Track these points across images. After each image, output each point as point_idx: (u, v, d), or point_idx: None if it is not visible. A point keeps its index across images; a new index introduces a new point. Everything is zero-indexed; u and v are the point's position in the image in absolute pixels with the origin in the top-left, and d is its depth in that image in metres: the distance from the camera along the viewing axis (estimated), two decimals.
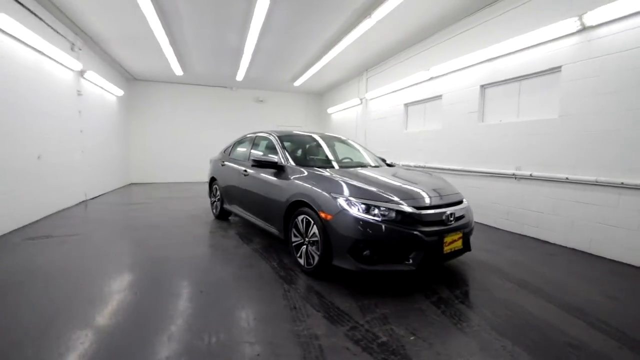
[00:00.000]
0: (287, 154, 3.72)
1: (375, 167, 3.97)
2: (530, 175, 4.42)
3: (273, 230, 3.62)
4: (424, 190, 2.90)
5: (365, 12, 5.29)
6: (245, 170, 4.25)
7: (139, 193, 8.35)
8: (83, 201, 6.75)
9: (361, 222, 2.54)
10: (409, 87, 7.06)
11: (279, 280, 2.89)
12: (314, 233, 2.86)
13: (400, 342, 1.98)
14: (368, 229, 2.52)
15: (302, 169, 3.37)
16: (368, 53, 7.57)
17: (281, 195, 3.37)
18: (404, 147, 7.36)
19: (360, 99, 9.32)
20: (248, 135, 4.96)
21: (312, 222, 2.87)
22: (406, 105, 7.34)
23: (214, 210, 5.46)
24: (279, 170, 3.60)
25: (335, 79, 10.23)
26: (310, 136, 4.39)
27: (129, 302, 2.44)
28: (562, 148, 4.07)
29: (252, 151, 4.47)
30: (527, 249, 3.99)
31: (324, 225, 2.73)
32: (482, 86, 5.27)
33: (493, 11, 4.91)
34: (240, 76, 9.43)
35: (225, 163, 5.03)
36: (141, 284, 2.79)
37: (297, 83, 10.26)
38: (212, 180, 5.53)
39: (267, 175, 3.74)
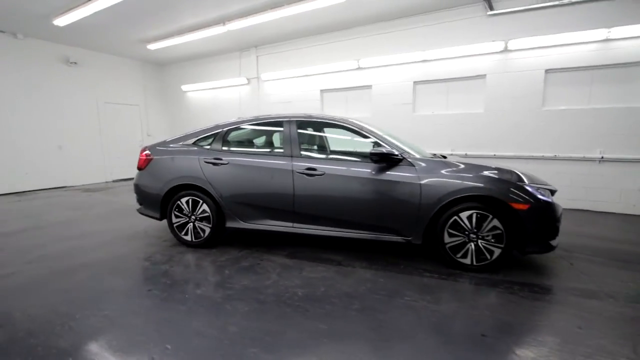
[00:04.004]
0: (399, 142, 3.12)
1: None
2: (465, 154, 5.93)
3: (393, 237, 3.01)
4: None
5: None
6: (312, 169, 3.10)
7: None
8: None
9: (552, 206, 2.77)
10: (328, 73, 7.07)
11: (492, 297, 2.59)
12: (493, 226, 2.76)
13: None
14: (556, 212, 2.80)
15: (422, 162, 3.01)
16: (265, 31, 6.83)
17: (420, 193, 2.87)
18: None
19: (248, 79, 8.22)
20: (263, 121, 3.53)
21: (490, 216, 2.75)
22: (322, 91, 7.33)
23: (190, 238, 3.47)
24: (391, 164, 2.99)
25: (200, 51, 8.38)
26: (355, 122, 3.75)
27: None
28: (488, 134, 5.75)
29: (303, 148, 3.30)
30: None
31: (516, 216, 2.71)
32: (415, 82, 6.27)
33: (432, 19, 5.89)
34: (65, 21, 5.77)
35: (228, 161, 3.33)
36: None
37: (153, 47, 7.53)
38: (175, 191, 3.47)
39: (374, 175, 3.00)
